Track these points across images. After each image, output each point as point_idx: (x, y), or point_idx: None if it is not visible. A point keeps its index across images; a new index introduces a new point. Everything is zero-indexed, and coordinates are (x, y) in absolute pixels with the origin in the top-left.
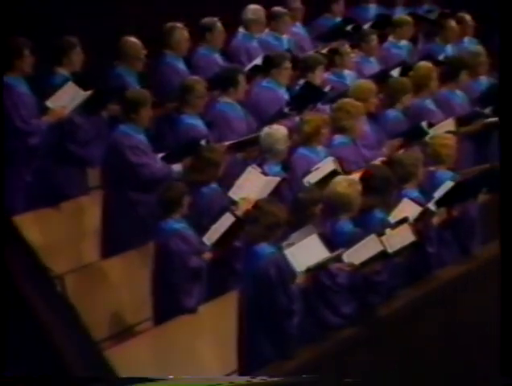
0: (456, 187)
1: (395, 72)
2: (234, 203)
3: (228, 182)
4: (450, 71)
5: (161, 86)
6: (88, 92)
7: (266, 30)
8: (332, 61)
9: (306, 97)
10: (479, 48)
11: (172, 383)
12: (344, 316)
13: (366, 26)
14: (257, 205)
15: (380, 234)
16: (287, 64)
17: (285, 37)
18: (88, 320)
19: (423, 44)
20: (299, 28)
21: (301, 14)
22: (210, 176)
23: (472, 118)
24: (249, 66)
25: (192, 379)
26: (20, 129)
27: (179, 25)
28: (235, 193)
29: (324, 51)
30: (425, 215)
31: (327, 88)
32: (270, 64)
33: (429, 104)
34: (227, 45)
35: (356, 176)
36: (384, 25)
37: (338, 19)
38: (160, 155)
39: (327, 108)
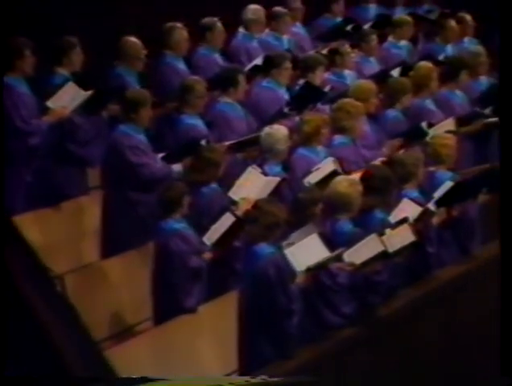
0: (456, 187)
1: (395, 72)
2: (234, 203)
3: (228, 182)
4: (450, 71)
5: (161, 86)
6: (89, 92)
7: (267, 31)
8: (333, 61)
9: (306, 97)
10: (479, 48)
11: (172, 384)
12: (345, 316)
13: (366, 26)
14: (256, 205)
15: (380, 234)
16: (288, 64)
17: (285, 37)
18: (88, 320)
19: (423, 44)
20: (299, 28)
21: (301, 14)
22: (210, 176)
23: (472, 118)
24: (250, 66)
25: (192, 379)
26: (20, 129)
27: (178, 25)
28: (235, 193)
29: (324, 51)
30: (425, 215)
31: (327, 88)
32: (271, 64)
33: (429, 104)
34: (227, 45)
35: (356, 176)
36: (384, 25)
37: (338, 19)
38: (160, 155)
39: (327, 108)
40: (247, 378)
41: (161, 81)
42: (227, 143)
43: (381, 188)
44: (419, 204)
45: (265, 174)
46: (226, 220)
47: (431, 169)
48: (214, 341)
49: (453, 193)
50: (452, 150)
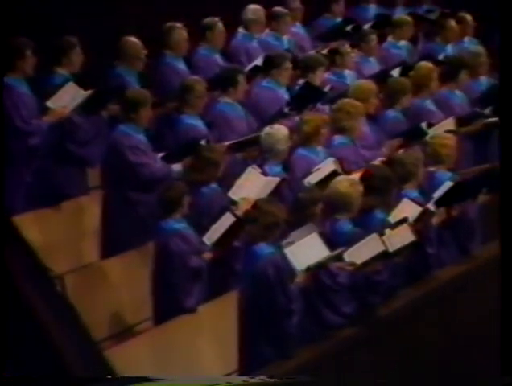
0: (456, 187)
1: (395, 72)
2: (234, 203)
3: (228, 182)
4: (450, 71)
5: (161, 86)
6: (89, 92)
7: (267, 31)
8: (333, 61)
9: (306, 97)
10: (479, 48)
11: (172, 383)
12: (345, 315)
13: (366, 26)
14: (256, 205)
15: (380, 234)
16: (288, 65)
17: (285, 37)
18: (88, 320)
19: (423, 44)
20: (299, 28)
21: (301, 14)
22: (210, 176)
23: (472, 118)
24: (250, 66)
25: (192, 379)
26: (20, 130)
27: (177, 25)
28: (235, 193)
29: (324, 51)
30: (425, 215)
31: (327, 88)
32: (271, 64)
33: (429, 104)
34: (227, 45)
35: (356, 176)
36: (384, 25)
37: (338, 19)
38: (160, 155)
39: (327, 108)
40: (247, 378)
41: (161, 81)
42: (227, 143)
43: (381, 188)
44: (419, 204)
45: (265, 174)
46: (226, 220)
47: (431, 169)
48: (214, 341)
49: (453, 193)
50: (452, 150)
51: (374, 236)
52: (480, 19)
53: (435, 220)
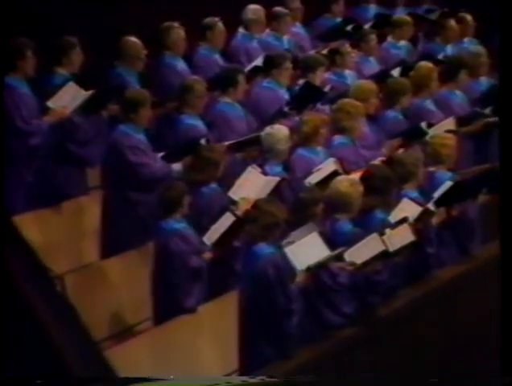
0: (456, 187)
1: (395, 72)
2: (234, 202)
3: (228, 182)
4: (450, 71)
5: (161, 86)
6: (89, 92)
7: (267, 31)
8: (333, 61)
9: (306, 97)
10: (479, 48)
11: (172, 383)
12: (345, 315)
13: (366, 26)
14: (256, 205)
15: (380, 234)
16: (288, 65)
17: (285, 37)
18: (88, 320)
19: (423, 44)
20: (299, 28)
21: (301, 14)
22: (210, 176)
23: (472, 118)
24: (250, 66)
25: (192, 379)
26: (21, 130)
27: (175, 24)
28: (235, 193)
29: (325, 51)
30: (425, 215)
31: (327, 88)
32: (271, 64)
33: (429, 104)
34: (227, 45)
35: (356, 176)
36: (384, 25)
37: (338, 19)
38: (160, 155)
39: (327, 108)
40: (247, 378)
41: (161, 81)
42: (227, 143)
43: (382, 188)
44: (419, 204)
45: (265, 173)
46: (226, 220)
47: (431, 169)
48: (214, 341)
49: (453, 193)
50: (452, 150)
51: (374, 235)
52: (480, 19)
53: (435, 220)
